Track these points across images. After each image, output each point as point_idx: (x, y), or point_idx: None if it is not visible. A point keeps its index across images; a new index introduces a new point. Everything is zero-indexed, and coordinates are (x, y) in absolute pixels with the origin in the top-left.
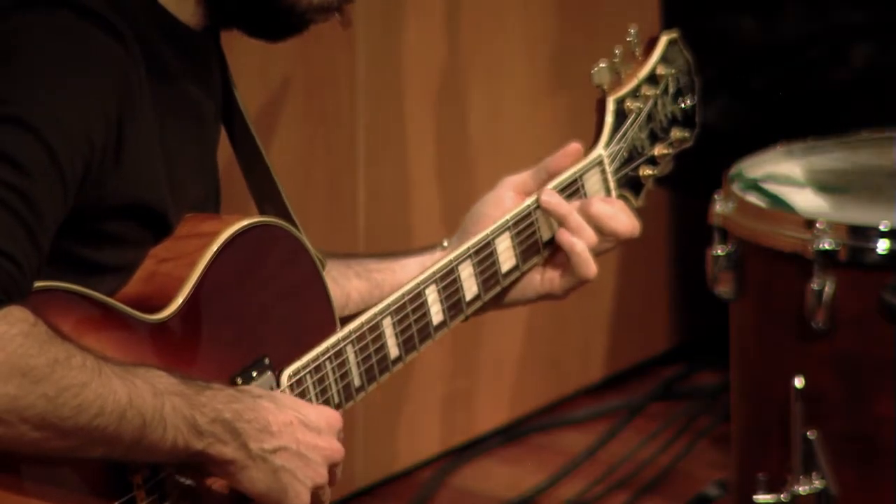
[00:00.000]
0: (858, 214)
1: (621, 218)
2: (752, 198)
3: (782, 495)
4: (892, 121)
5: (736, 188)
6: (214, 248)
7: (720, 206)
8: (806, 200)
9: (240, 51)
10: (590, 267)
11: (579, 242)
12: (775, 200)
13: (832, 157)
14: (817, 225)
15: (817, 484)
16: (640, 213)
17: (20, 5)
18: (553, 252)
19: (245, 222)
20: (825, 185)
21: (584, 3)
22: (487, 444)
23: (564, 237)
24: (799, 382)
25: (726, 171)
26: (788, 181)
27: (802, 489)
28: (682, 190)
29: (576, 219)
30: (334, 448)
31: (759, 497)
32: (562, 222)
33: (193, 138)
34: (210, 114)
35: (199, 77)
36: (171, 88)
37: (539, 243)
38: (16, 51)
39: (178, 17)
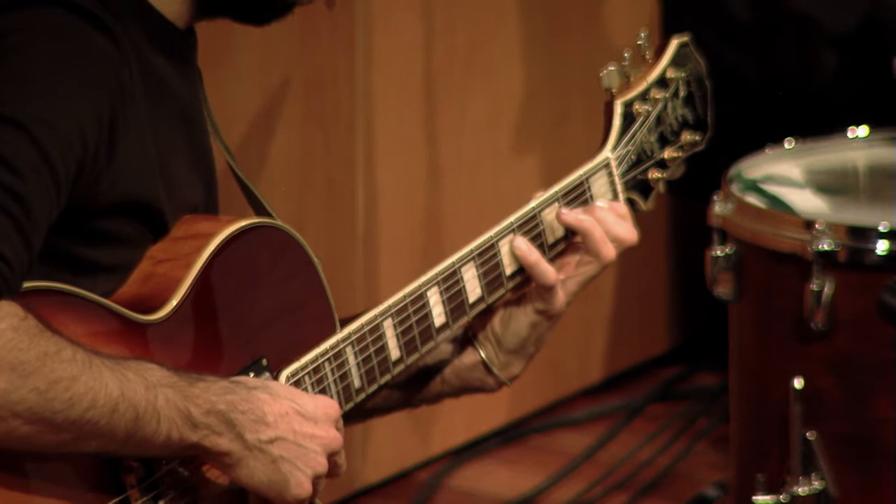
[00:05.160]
0: (858, 215)
1: (624, 224)
2: (752, 199)
3: (781, 496)
4: (892, 121)
5: (735, 189)
6: (211, 248)
7: (719, 207)
8: (805, 201)
9: (240, 51)
10: (608, 245)
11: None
12: (774, 201)
13: (832, 158)
14: (816, 226)
15: (816, 485)
16: (638, 214)
17: (13, 4)
18: (562, 252)
19: (242, 223)
20: (824, 185)
21: (582, 5)
22: (487, 444)
23: (572, 217)
24: (798, 383)
25: (725, 172)
26: (787, 182)
27: (801, 490)
28: (682, 191)
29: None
30: (331, 437)
31: (759, 498)
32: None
33: (183, 138)
34: (196, 114)
35: (184, 76)
36: (159, 88)
37: (545, 245)
38: (8, 49)
39: (164, 14)
